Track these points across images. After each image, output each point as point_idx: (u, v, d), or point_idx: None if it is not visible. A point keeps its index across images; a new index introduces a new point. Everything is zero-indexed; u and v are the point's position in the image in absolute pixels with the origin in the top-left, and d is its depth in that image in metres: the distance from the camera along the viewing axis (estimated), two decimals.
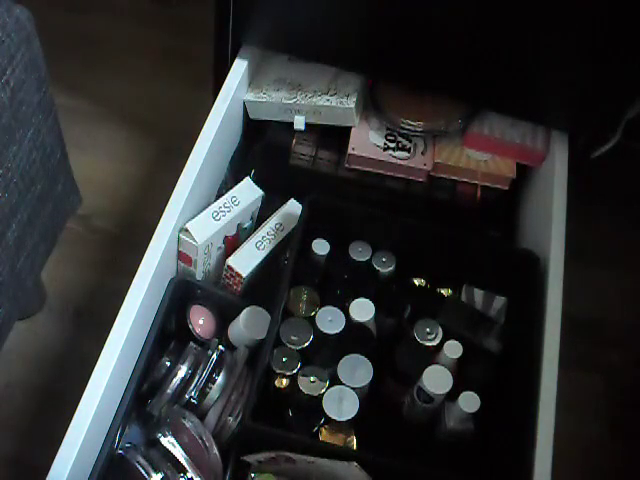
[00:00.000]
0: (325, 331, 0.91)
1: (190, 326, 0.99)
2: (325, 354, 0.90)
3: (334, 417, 0.85)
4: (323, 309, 0.93)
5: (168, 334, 0.98)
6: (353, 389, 0.86)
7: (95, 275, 1.32)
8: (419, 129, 1.09)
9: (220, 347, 0.94)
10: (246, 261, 1.00)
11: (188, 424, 0.85)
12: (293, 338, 0.90)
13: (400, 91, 1.11)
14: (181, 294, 1.00)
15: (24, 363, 1.22)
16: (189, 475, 0.82)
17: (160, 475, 0.82)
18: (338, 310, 0.93)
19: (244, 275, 0.99)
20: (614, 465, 1.21)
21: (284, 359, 0.89)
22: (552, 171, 1.03)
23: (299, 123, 1.11)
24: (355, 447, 0.85)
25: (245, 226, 1.09)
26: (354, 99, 1.07)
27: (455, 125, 1.09)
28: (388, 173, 1.13)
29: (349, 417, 0.85)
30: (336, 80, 1.11)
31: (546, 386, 0.85)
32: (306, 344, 0.90)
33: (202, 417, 0.89)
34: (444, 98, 1.08)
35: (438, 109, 1.10)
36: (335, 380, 0.87)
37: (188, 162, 0.98)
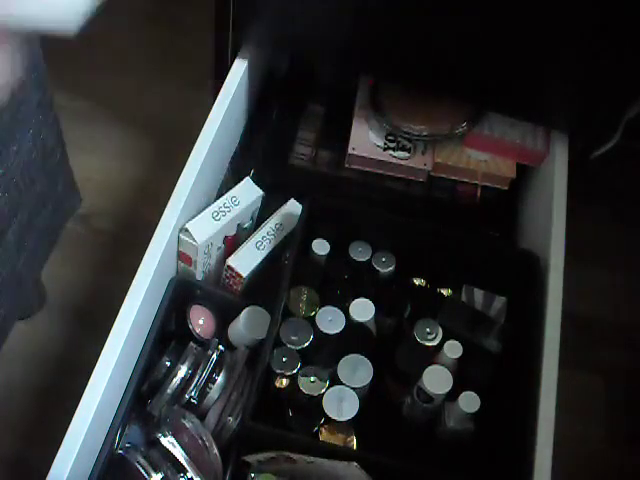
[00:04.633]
0: (325, 331, 0.91)
1: (190, 326, 0.99)
2: (325, 354, 0.90)
3: (334, 417, 0.85)
4: (323, 309, 0.93)
5: (168, 334, 0.98)
6: (353, 389, 0.86)
7: (95, 275, 1.33)
8: (423, 133, 1.09)
9: (220, 347, 0.94)
10: (246, 261, 1.00)
11: (188, 424, 0.85)
12: (293, 338, 0.90)
13: (401, 94, 1.11)
14: (181, 294, 1.00)
15: (24, 363, 1.22)
16: (189, 475, 0.82)
17: (160, 475, 0.82)
18: (338, 310, 0.93)
19: (244, 275, 0.99)
20: (614, 465, 1.22)
21: (284, 359, 0.89)
22: (552, 171, 1.03)
23: None
24: (355, 447, 0.85)
25: (245, 226, 1.08)
26: None
27: (459, 129, 1.09)
28: (388, 173, 1.13)
29: (349, 417, 0.85)
30: None
31: (546, 386, 0.85)
32: (306, 344, 0.90)
33: (202, 417, 0.89)
34: (445, 101, 1.08)
35: (440, 113, 1.10)
36: (335, 380, 0.87)
37: (188, 162, 0.98)
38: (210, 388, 0.90)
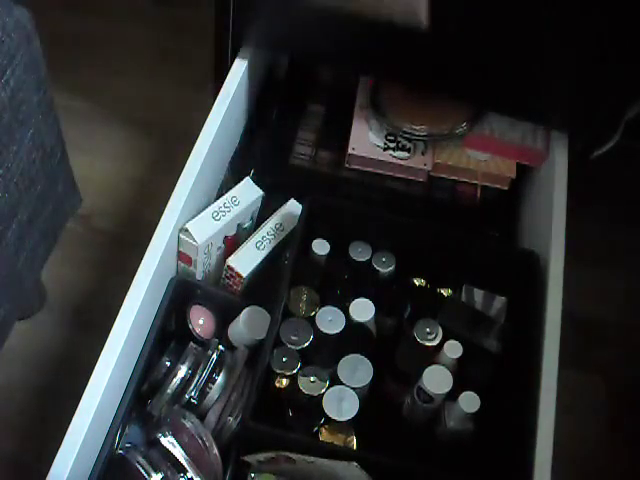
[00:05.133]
0: (325, 331, 0.91)
1: (190, 326, 0.99)
2: (325, 354, 0.90)
3: (334, 417, 0.85)
4: (323, 309, 0.93)
5: (168, 334, 0.98)
6: (353, 389, 0.86)
7: (95, 275, 1.33)
8: (423, 133, 1.09)
9: (220, 347, 0.94)
10: (246, 261, 1.00)
11: (188, 424, 0.85)
12: (293, 338, 0.90)
13: (401, 94, 1.11)
14: (181, 294, 1.00)
15: (24, 363, 1.22)
16: (189, 475, 0.82)
17: (160, 475, 0.82)
18: (338, 310, 0.93)
19: (244, 275, 0.99)
20: (614, 465, 1.21)
21: (284, 359, 0.89)
22: (552, 171, 1.03)
23: None
24: (355, 447, 0.85)
25: (245, 226, 1.08)
26: None
27: (459, 130, 1.09)
28: (388, 173, 1.13)
29: (349, 417, 0.85)
30: None
31: (546, 386, 0.85)
32: (306, 344, 0.90)
33: (202, 417, 0.89)
34: (445, 101, 1.08)
35: (440, 113, 1.10)
36: (335, 380, 0.87)
37: (188, 162, 0.98)
38: (210, 388, 0.90)
